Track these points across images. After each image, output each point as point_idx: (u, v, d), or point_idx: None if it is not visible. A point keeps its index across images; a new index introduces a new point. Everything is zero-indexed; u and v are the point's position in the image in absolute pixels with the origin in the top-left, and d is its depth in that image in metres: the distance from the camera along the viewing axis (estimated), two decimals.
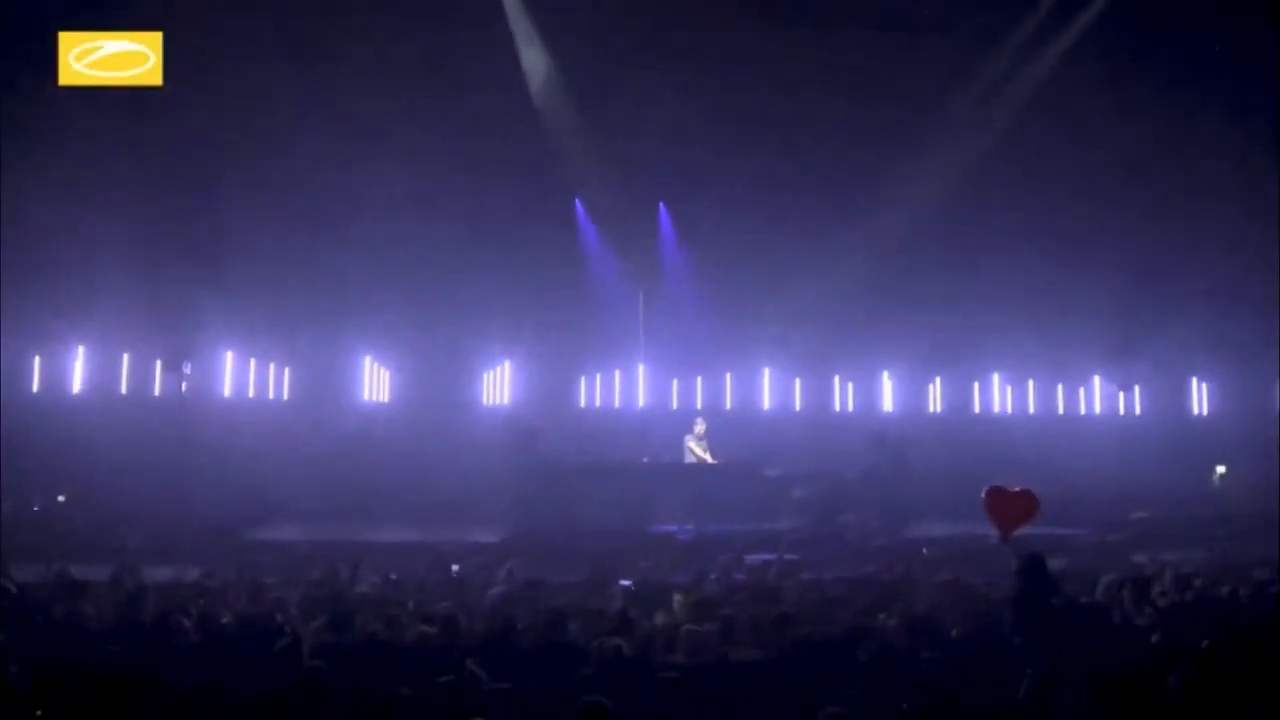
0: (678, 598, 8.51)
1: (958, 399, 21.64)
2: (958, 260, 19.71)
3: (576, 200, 20.30)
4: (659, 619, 8.03)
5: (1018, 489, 8.87)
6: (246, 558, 12.71)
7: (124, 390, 18.19)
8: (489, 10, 18.02)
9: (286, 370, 19.45)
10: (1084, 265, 19.48)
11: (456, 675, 5.85)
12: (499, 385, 20.32)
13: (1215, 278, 19.55)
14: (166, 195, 17.04)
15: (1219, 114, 17.95)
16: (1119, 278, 19.69)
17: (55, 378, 17.95)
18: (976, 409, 21.71)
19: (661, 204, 20.65)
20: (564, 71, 18.94)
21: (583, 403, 20.57)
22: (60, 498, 16.49)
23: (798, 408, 21.05)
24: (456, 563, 12.52)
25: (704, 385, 20.79)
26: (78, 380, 18.07)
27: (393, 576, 10.36)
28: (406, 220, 17.76)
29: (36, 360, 17.85)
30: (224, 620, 7.49)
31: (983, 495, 8.93)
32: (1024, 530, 9.39)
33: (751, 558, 12.21)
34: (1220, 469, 20.45)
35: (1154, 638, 7.41)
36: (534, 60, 18.79)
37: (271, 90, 16.75)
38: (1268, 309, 19.60)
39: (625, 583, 9.93)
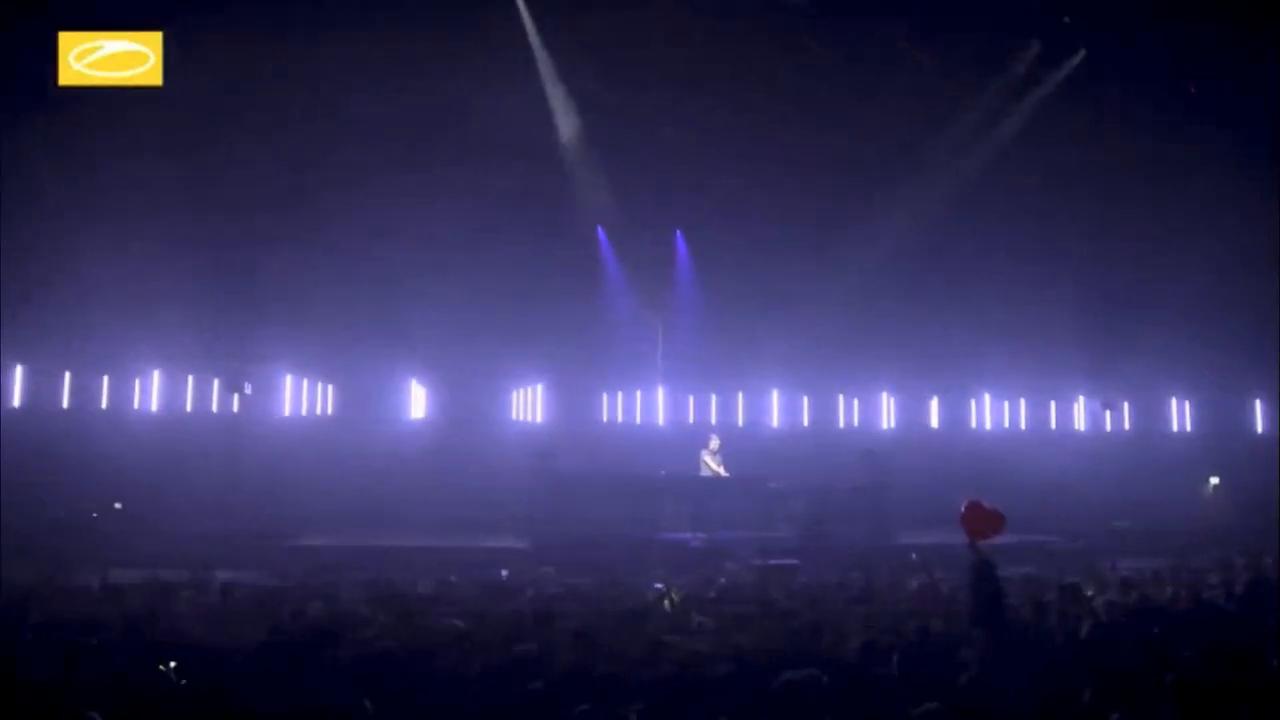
0: (671, 594, 9.81)
1: (954, 416, 22.73)
2: (952, 286, 20.76)
3: (599, 229, 21.17)
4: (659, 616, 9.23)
5: (991, 507, 9.86)
6: (297, 562, 13.78)
7: (189, 409, 19.62)
8: (518, 49, 18.82)
9: (330, 388, 20.63)
10: (1069, 290, 20.45)
11: (509, 655, 7.23)
12: (531, 404, 21.27)
13: (1193, 301, 20.32)
14: (228, 230, 18.14)
15: (1196, 144, 18.81)
16: (1100, 302, 20.84)
17: (122, 397, 19.36)
18: (972, 425, 22.83)
19: (678, 231, 21.56)
20: (588, 111, 19.62)
21: (605, 418, 21.54)
22: (117, 505, 17.42)
23: (805, 424, 22.13)
24: (481, 567, 13.70)
25: (718, 403, 21.83)
26: (151, 399, 19.52)
27: (453, 579, 11.48)
28: (446, 251, 18.79)
29: (105, 380, 19.23)
30: (318, 614, 8.89)
31: (962, 508, 9.84)
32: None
33: (755, 562, 13.54)
34: (1214, 480, 21.40)
35: (1084, 632, 8.73)
36: (562, 107, 19.63)
37: (319, 134, 17.84)
38: (1245, 330, 20.73)
39: (659, 586, 10.87)
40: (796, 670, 6.43)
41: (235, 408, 19.44)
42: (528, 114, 18.99)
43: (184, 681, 6.68)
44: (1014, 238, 20.58)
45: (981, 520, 9.64)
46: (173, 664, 6.88)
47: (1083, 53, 19.11)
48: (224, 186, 17.79)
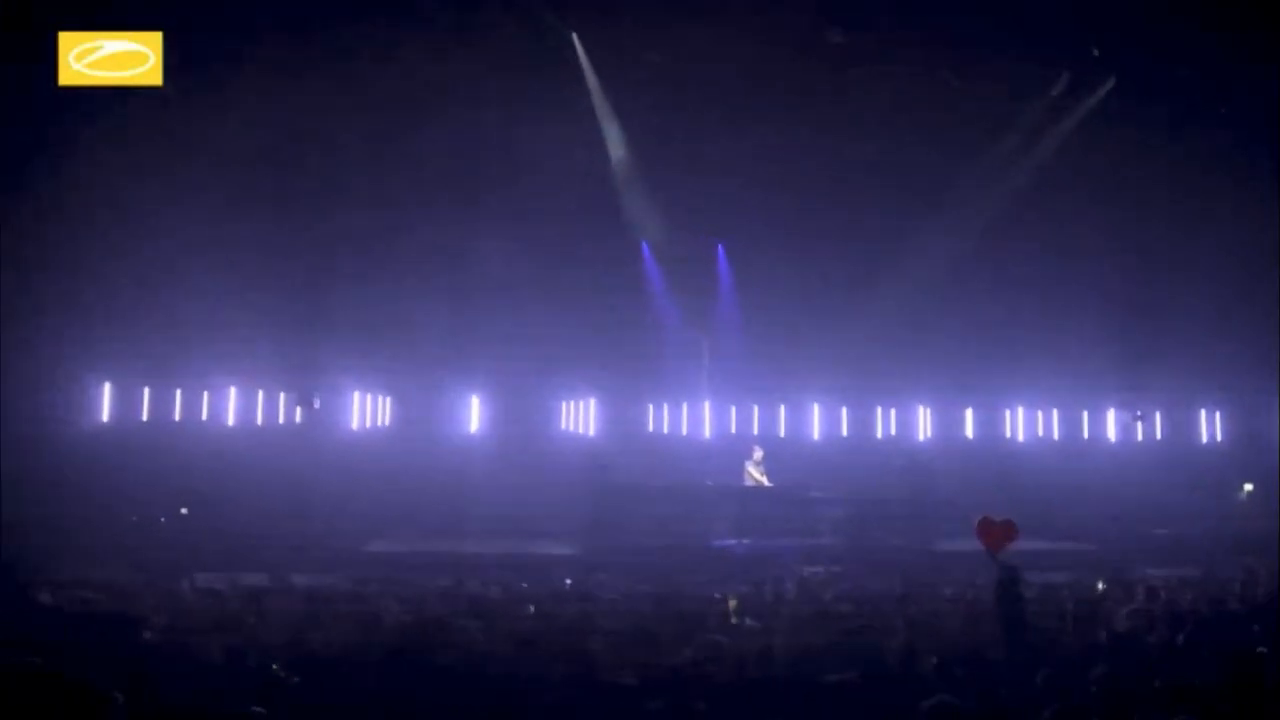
0: (731, 602, 10.64)
1: (989, 427, 23.28)
2: (986, 300, 21.21)
3: (643, 245, 21.76)
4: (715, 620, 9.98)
5: (1002, 518, 10.61)
6: (361, 565, 14.66)
7: (259, 422, 20.59)
8: (570, 74, 19.13)
9: (388, 400, 21.54)
10: (1100, 303, 20.95)
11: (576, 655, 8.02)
12: (581, 416, 22.01)
13: (1223, 312, 20.70)
14: (297, 258, 19.17)
15: (1224, 159, 19.15)
16: (1131, 315, 21.29)
17: (195, 410, 20.39)
18: (1007, 435, 23.34)
19: (720, 246, 22.11)
20: (635, 131, 20.12)
21: (652, 429, 22.25)
22: (183, 510, 18.47)
23: (845, 434, 22.74)
24: (538, 573, 14.28)
25: (760, 415, 22.45)
26: (227, 413, 20.54)
27: (524, 585, 12.29)
28: (500, 271, 19.45)
29: (178, 394, 20.23)
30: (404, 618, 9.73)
31: (975, 523, 10.46)
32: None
33: (802, 569, 14.12)
34: (1248, 486, 21.81)
35: (1102, 638, 9.38)
36: (612, 129, 20.18)
37: (386, 160, 18.59)
38: (1274, 341, 21.03)
39: (718, 596, 11.54)
40: (840, 671, 7.18)
41: (297, 419, 20.27)
42: (575, 134, 19.40)
43: (296, 680, 7.49)
44: (1046, 254, 21.09)
45: (995, 531, 10.42)
46: (275, 665, 7.49)
47: (1113, 80, 19.56)
48: (293, 210, 18.73)
